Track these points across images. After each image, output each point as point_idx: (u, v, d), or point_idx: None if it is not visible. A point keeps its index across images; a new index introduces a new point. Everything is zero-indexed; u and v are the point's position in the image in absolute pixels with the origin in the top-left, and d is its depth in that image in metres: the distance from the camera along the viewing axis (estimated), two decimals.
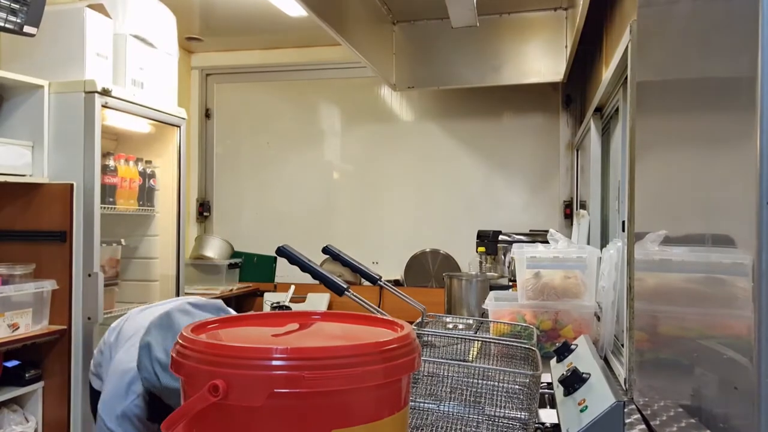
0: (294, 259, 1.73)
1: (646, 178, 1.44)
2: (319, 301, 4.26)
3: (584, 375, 1.42)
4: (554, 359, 1.81)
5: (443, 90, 4.53)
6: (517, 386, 1.33)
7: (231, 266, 4.65)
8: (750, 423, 0.71)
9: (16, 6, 2.44)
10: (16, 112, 3.00)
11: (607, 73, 2.56)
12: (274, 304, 3.93)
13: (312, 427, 0.78)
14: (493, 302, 2.36)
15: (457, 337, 1.71)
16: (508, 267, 3.83)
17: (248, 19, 4.21)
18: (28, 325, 2.79)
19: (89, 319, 2.93)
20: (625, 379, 1.76)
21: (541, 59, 4.00)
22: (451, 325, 2.08)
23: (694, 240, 1.01)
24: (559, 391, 1.48)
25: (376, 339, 0.84)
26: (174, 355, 0.83)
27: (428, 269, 4.54)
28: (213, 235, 5.04)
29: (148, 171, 3.57)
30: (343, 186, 4.98)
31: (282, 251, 1.75)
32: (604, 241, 3.13)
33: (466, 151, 4.71)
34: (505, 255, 3.90)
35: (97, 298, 2.93)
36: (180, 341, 0.84)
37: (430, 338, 1.69)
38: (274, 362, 0.76)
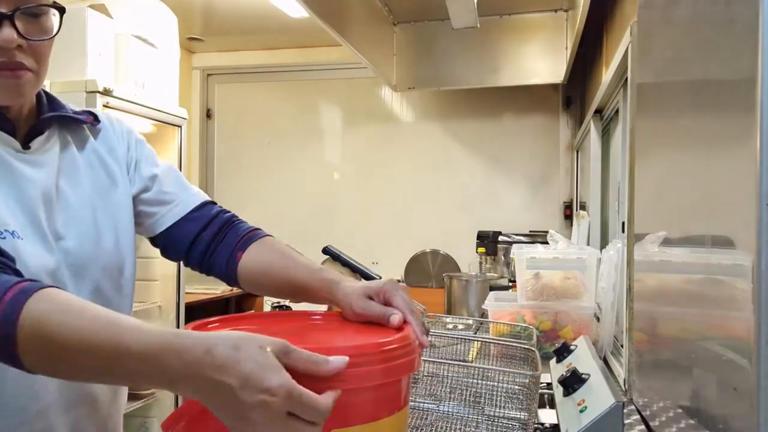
0: None
1: (645, 179, 1.44)
2: None
3: (584, 375, 1.42)
4: (554, 360, 1.81)
5: (444, 91, 4.53)
6: (516, 386, 1.34)
7: None
8: (749, 424, 0.71)
9: None
10: None
11: (607, 75, 2.56)
12: (275, 304, 3.93)
13: None
14: (492, 303, 2.37)
15: (456, 338, 1.72)
16: (508, 267, 3.83)
17: (249, 19, 4.22)
18: None
19: None
20: (624, 379, 1.76)
21: (541, 60, 4.00)
22: (450, 326, 2.08)
23: (693, 241, 1.01)
24: (558, 391, 1.48)
25: (375, 339, 0.84)
26: None
27: (428, 270, 4.54)
28: None
29: None
30: (344, 186, 4.99)
31: None
32: (603, 242, 3.13)
33: (466, 152, 4.71)
34: (505, 255, 3.91)
35: None
36: None
37: (429, 338, 1.69)
38: None
